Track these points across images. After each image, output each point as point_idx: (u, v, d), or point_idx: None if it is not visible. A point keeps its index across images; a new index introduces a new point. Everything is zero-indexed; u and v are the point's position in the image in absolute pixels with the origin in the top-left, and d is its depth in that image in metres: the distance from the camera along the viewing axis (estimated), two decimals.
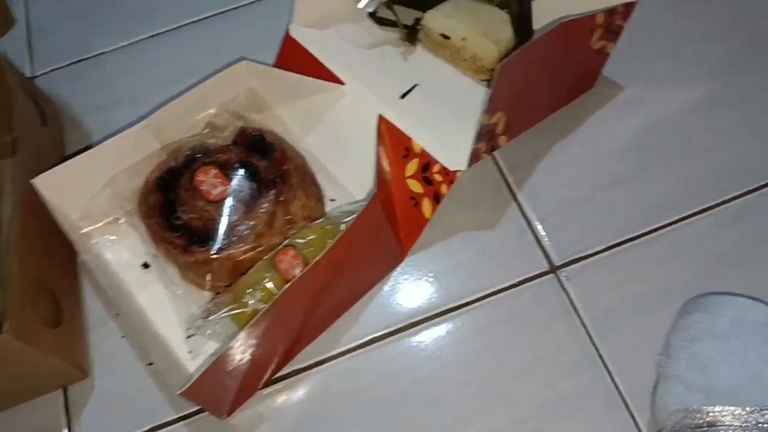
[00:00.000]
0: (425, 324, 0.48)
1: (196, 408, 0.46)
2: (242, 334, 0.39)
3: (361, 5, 0.55)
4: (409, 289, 0.49)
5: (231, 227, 0.46)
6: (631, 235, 0.50)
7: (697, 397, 0.39)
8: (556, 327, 0.47)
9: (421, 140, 0.48)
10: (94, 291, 0.51)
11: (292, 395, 0.46)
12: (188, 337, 0.47)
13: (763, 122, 0.54)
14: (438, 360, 0.47)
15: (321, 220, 0.47)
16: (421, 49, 0.55)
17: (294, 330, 0.45)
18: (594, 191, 0.52)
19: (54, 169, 0.46)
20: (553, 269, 0.49)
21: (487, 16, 0.52)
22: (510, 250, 0.50)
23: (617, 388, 0.45)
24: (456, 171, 0.47)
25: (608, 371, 0.45)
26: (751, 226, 0.49)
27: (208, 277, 0.46)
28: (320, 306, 0.46)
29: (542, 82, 0.49)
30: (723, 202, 0.50)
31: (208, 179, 0.47)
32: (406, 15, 0.56)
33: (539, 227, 0.51)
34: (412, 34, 0.54)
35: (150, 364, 0.48)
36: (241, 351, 0.41)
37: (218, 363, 0.40)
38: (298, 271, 0.43)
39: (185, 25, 0.64)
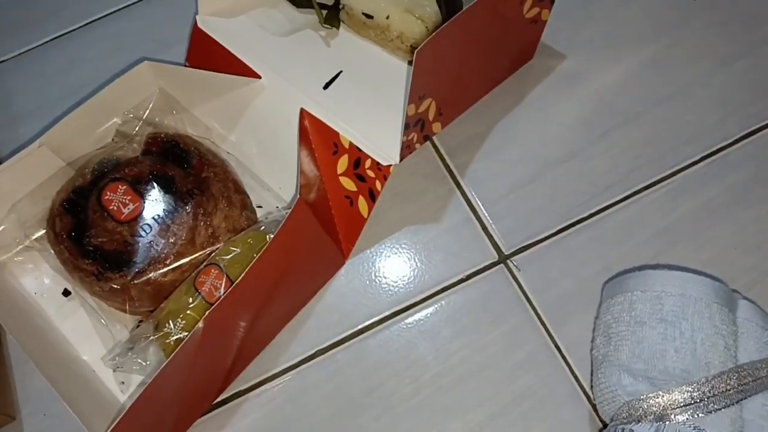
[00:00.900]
0: (371, 330, 0.45)
1: None
2: (166, 366, 0.36)
3: None
4: (352, 294, 0.46)
5: (147, 248, 0.42)
6: (580, 216, 0.47)
7: (644, 386, 0.36)
8: (509, 320, 0.44)
9: (349, 134, 0.44)
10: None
11: (235, 419, 0.43)
12: (115, 369, 0.43)
13: (712, 83, 0.51)
14: (389, 367, 0.44)
15: (245, 232, 0.43)
16: (344, 31, 0.51)
17: (230, 351, 0.42)
18: (540, 171, 0.49)
19: None
20: (503, 259, 0.46)
21: None
22: (456, 242, 0.47)
23: (577, 378, 0.42)
24: (389, 165, 0.44)
25: (566, 362, 0.43)
26: (704, 197, 0.47)
27: (128, 305, 0.42)
28: (258, 322, 0.42)
29: (474, 60, 0.45)
30: (673, 173, 0.48)
31: (117, 197, 0.42)
32: None
33: (485, 215, 0.48)
34: (333, 16, 0.50)
35: None
36: (170, 382, 0.38)
37: (142, 399, 0.36)
38: (222, 293, 0.40)
39: (90, 23, 0.58)
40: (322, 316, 0.45)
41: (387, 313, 0.45)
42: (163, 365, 0.35)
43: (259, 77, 0.47)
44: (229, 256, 0.41)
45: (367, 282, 0.46)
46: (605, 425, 0.40)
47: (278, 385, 0.44)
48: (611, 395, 0.38)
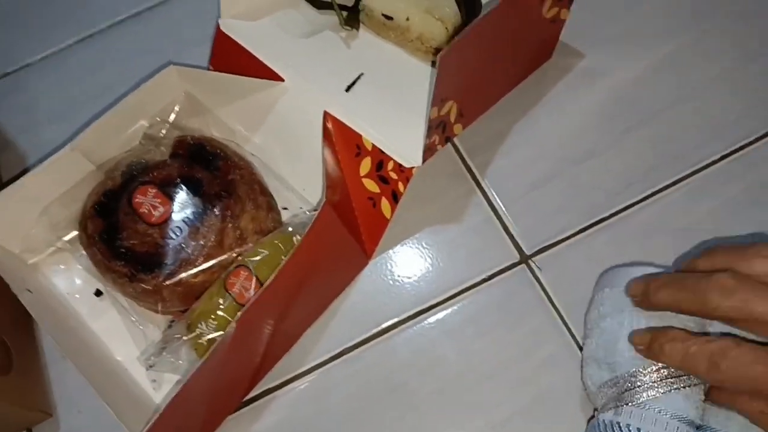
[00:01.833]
0: (395, 330, 0.46)
1: None
2: (199, 367, 0.37)
3: None
4: (376, 293, 0.47)
5: (178, 250, 0.43)
6: (601, 215, 0.47)
7: (606, 373, 0.39)
8: (531, 320, 0.45)
9: (371, 136, 0.45)
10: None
11: (263, 417, 0.44)
12: (148, 368, 0.45)
13: (734, 80, 0.51)
14: (412, 366, 0.45)
15: (272, 234, 0.44)
16: (364, 32, 0.51)
17: (259, 351, 0.43)
18: (560, 170, 0.49)
19: None
20: (524, 259, 0.47)
21: None
22: (477, 241, 0.48)
23: None
24: (411, 167, 0.44)
25: None
26: (726, 196, 0.47)
27: (160, 305, 0.43)
28: (285, 322, 0.43)
29: (495, 62, 0.45)
30: (694, 172, 0.48)
31: (147, 200, 0.43)
32: None
33: (506, 214, 0.48)
34: (353, 17, 0.50)
35: None
36: (203, 382, 0.39)
37: (177, 399, 0.37)
38: (251, 293, 0.41)
39: (113, 24, 0.59)
40: (346, 316, 0.46)
41: (410, 313, 0.46)
42: (198, 366, 0.36)
43: (282, 80, 0.47)
44: (257, 258, 0.42)
45: (390, 282, 0.47)
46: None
47: (305, 383, 0.45)
48: (586, 386, 0.40)
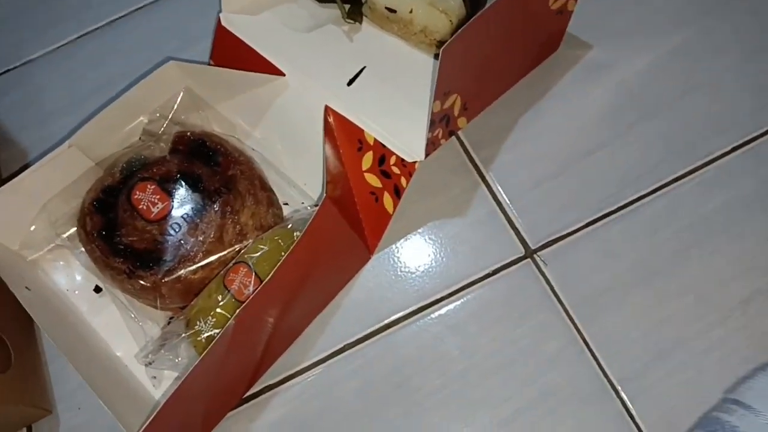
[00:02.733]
0: (398, 325, 0.45)
1: None
2: (197, 364, 0.36)
3: None
4: (379, 288, 0.46)
5: (177, 246, 0.42)
6: (608, 210, 0.46)
7: None
8: (536, 315, 0.44)
9: (373, 131, 0.44)
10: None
11: (264, 413, 0.44)
12: (147, 365, 0.44)
13: (745, 71, 0.50)
14: (416, 361, 0.44)
15: (272, 230, 0.43)
16: (367, 25, 0.50)
17: (259, 347, 0.42)
18: (567, 164, 0.48)
19: None
20: (530, 253, 0.46)
21: None
22: (482, 236, 0.47)
23: (606, 375, 0.42)
24: (414, 162, 0.43)
25: (595, 358, 0.43)
26: (737, 189, 0.46)
27: (159, 301, 0.43)
28: (286, 318, 0.43)
29: (500, 54, 0.44)
30: (705, 164, 0.47)
31: (146, 196, 0.43)
32: None
33: (511, 209, 0.47)
34: (355, 11, 0.50)
35: None
36: (202, 378, 0.38)
37: (175, 396, 0.37)
38: (251, 290, 0.40)
39: (115, 20, 0.59)
40: (349, 311, 0.46)
41: (414, 308, 0.45)
42: (196, 363, 0.35)
43: (283, 74, 0.47)
44: (257, 254, 0.41)
45: (393, 277, 0.46)
46: None
47: (307, 380, 0.44)
48: None
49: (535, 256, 0.46)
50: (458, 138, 0.50)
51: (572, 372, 0.42)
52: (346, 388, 0.44)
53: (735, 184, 0.46)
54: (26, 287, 0.43)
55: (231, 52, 0.49)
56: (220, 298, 0.40)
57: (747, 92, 0.49)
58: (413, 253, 0.47)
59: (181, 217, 0.42)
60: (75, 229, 0.46)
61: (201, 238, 0.42)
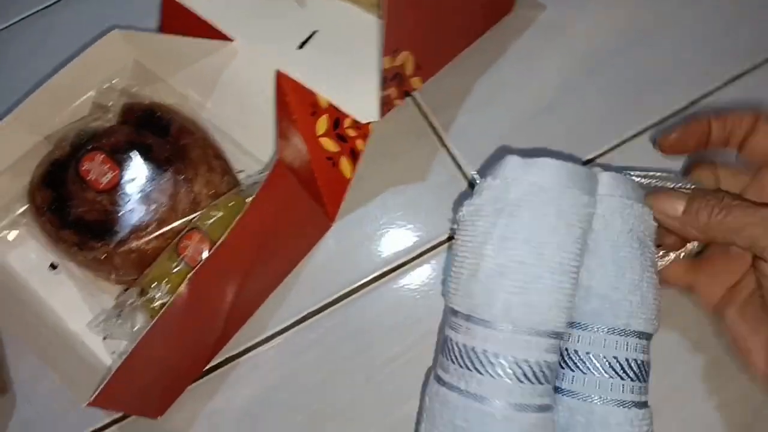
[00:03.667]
0: (361, 292, 0.45)
1: None
2: (150, 328, 0.36)
3: None
4: (340, 256, 0.46)
5: (129, 217, 0.41)
6: None
7: None
8: None
9: (326, 94, 0.44)
10: None
11: (226, 384, 0.43)
12: (104, 338, 0.43)
13: (707, 21, 0.49)
14: (380, 327, 0.43)
15: (226, 195, 0.42)
16: None
17: (219, 317, 0.42)
18: (527, 124, 0.48)
19: None
20: None
21: None
22: (443, 200, 0.46)
23: None
24: (368, 123, 0.43)
25: None
26: None
27: (113, 274, 0.42)
28: (246, 287, 0.42)
29: (451, 11, 0.44)
30: (664, 119, 0.47)
31: (95, 167, 0.42)
32: None
33: (472, 172, 0.47)
34: None
35: None
36: (157, 346, 0.37)
37: (128, 363, 0.36)
38: (205, 256, 0.39)
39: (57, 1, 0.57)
40: (310, 280, 0.45)
41: (377, 274, 0.45)
42: (148, 327, 0.35)
43: (231, 40, 0.46)
44: (210, 221, 0.41)
45: (355, 244, 0.46)
46: None
47: (269, 349, 0.44)
48: None
49: None
50: (415, 102, 0.49)
51: None
52: (309, 356, 0.43)
53: None
54: None
55: (179, 23, 0.48)
56: (174, 265, 0.40)
57: (706, 46, 0.49)
58: (374, 219, 0.47)
59: (132, 186, 0.41)
60: (27, 205, 0.45)
61: (153, 207, 0.41)
